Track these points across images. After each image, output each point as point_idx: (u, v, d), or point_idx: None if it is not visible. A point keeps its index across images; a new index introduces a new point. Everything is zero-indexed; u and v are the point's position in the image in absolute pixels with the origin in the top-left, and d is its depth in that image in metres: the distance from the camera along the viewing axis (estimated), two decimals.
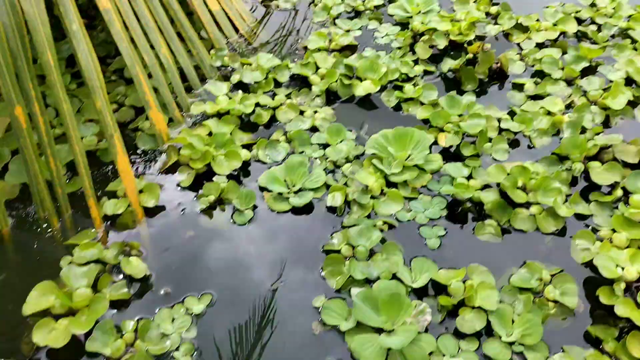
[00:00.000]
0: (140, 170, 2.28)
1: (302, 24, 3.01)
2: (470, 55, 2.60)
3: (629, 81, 2.49)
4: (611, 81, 2.48)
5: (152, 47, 2.46)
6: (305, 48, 2.82)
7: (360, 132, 2.42)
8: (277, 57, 2.72)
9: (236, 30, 2.94)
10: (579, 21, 2.84)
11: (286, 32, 2.96)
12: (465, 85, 2.58)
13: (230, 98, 2.52)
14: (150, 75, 2.43)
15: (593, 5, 2.93)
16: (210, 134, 2.35)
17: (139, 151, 2.36)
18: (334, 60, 2.66)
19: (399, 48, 2.78)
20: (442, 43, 2.74)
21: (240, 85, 2.64)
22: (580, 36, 2.78)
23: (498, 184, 2.07)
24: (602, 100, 2.38)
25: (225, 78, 2.70)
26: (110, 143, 2.13)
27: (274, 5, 3.12)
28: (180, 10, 2.66)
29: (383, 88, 2.58)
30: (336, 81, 2.57)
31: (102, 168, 2.29)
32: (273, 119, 2.48)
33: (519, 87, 2.55)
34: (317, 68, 2.65)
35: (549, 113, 2.38)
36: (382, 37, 2.87)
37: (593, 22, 2.83)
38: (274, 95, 2.57)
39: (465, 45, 2.70)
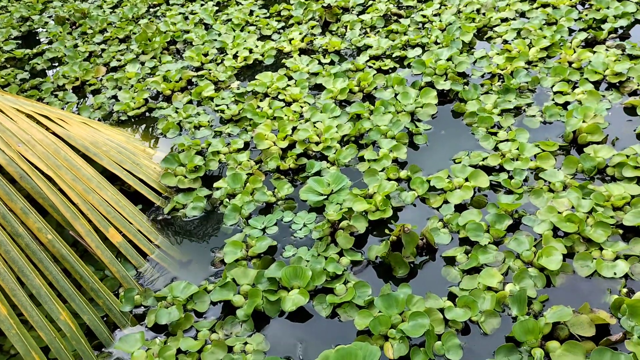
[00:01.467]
0: None
1: (215, 230, 2.82)
2: (394, 238, 2.47)
3: (555, 230, 2.43)
4: (540, 235, 2.41)
5: (49, 317, 2.18)
6: (222, 262, 2.61)
7: (299, 354, 2.18)
8: (193, 281, 2.49)
9: (144, 255, 2.71)
10: (489, 171, 2.82)
11: (199, 245, 2.76)
12: (396, 271, 2.43)
13: (147, 349, 2.23)
14: (49, 349, 2.12)
15: (496, 149, 2.95)
16: None
17: None
18: (255, 274, 2.45)
19: (320, 239, 2.62)
20: (362, 226, 2.63)
21: (157, 327, 2.36)
22: (495, 186, 2.75)
23: None
24: (537, 262, 2.28)
25: (141, 319, 2.42)
26: None
27: (181, 215, 2.94)
28: (77, 260, 2.41)
29: (313, 294, 2.38)
30: (262, 299, 2.35)
31: None
32: None
33: (450, 260, 2.42)
34: (238, 286, 2.44)
35: (489, 288, 2.24)
36: (300, 229, 2.72)
37: (503, 169, 2.82)
38: (196, 334, 2.30)
39: (387, 231, 2.60)
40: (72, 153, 2.91)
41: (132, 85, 4.19)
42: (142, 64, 4.50)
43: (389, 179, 2.89)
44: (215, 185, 3.05)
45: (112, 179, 2.99)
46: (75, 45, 5.10)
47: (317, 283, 2.39)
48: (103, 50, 4.94)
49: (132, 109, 3.89)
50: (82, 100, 4.22)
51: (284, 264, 2.47)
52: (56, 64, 4.88)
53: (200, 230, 2.85)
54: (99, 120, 3.88)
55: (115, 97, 4.12)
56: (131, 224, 2.76)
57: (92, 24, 5.42)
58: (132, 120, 3.85)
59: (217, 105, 3.76)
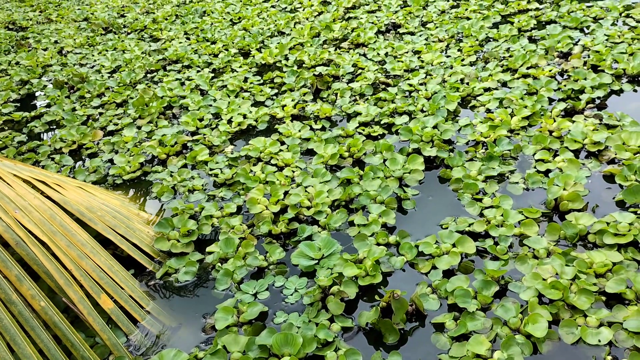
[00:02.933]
0: None
1: (206, 295, 2.85)
2: (384, 304, 2.51)
3: (540, 297, 2.49)
4: (526, 301, 2.47)
5: None
6: (213, 328, 2.63)
7: None
8: (183, 348, 2.50)
9: (135, 321, 2.72)
10: (475, 237, 2.90)
11: (190, 310, 2.78)
12: (386, 337, 2.45)
13: None
14: None
15: (482, 215, 3.04)
16: None
17: None
18: (246, 341, 2.47)
19: (311, 305, 2.66)
20: (352, 291, 2.67)
21: None
22: (481, 252, 2.82)
23: None
24: (524, 329, 2.32)
25: None
26: None
27: (173, 279, 2.97)
28: (69, 327, 2.42)
29: None
30: None
31: None
32: None
33: (439, 327, 2.46)
34: (229, 353, 2.45)
35: (477, 356, 2.27)
36: (292, 295, 2.75)
37: (488, 235, 2.90)
38: None
39: (377, 297, 2.64)
40: (67, 218, 2.96)
41: (128, 149, 4.29)
42: (139, 128, 4.63)
43: (378, 244, 2.96)
44: (207, 249, 3.10)
45: (106, 243, 3.03)
46: (73, 109, 5.24)
47: (308, 350, 2.40)
48: (100, 114, 5.08)
49: (127, 173, 3.98)
50: (78, 163, 4.30)
51: (275, 330, 2.49)
52: (54, 127, 5.00)
53: (191, 295, 2.88)
54: (94, 183, 3.95)
55: (111, 160, 4.22)
56: (123, 289, 2.79)
57: (90, 88, 5.59)
58: (127, 183, 3.93)
59: (211, 170, 3.86)
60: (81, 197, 3.24)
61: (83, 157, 4.40)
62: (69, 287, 2.59)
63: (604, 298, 2.46)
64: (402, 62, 5.01)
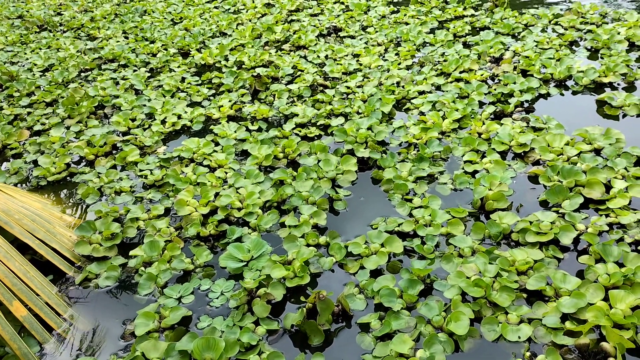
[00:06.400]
0: None
1: (128, 301, 2.73)
2: (310, 305, 2.48)
3: (464, 295, 2.52)
4: (450, 299, 2.49)
5: None
6: (133, 334, 2.52)
7: None
8: (100, 357, 2.38)
9: (51, 330, 2.57)
10: (403, 236, 2.92)
11: (110, 317, 2.66)
12: (311, 339, 2.41)
13: None
14: None
15: (411, 215, 3.06)
16: None
17: None
18: (166, 347, 2.37)
19: (237, 308, 2.59)
20: (279, 293, 2.62)
21: None
22: (409, 251, 2.84)
23: None
24: (446, 327, 2.34)
25: None
26: None
27: (93, 285, 2.84)
28: None
29: None
30: None
31: None
32: None
33: (365, 327, 2.44)
34: None
35: (401, 355, 2.27)
36: (217, 298, 2.68)
37: (416, 235, 2.92)
38: None
39: (303, 298, 2.60)
40: None
41: (54, 150, 4.10)
42: (68, 128, 4.44)
43: (308, 245, 2.92)
44: (131, 253, 2.98)
45: (24, 248, 2.87)
46: (0, 108, 4.98)
47: (230, 354, 2.34)
48: (29, 113, 4.85)
49: (52, 174, 3.79)
50: (1, 164, 4.08)
51: (196, 335, 2.41)
52: None
53: (112, 301, 2.75)
54: (16, 185, 3.75)
55: (35, 161, 4.01)
56: (38, 296, 2.64)
57: (20, 87, 5.33)
58: (52, 185, 3.75)
59: (140, 171, 3.73)
60: None
61: (7, 157, 4.17)
62: None
63: (525, 295, 2.51)
64: (341, 64, 5.02)
